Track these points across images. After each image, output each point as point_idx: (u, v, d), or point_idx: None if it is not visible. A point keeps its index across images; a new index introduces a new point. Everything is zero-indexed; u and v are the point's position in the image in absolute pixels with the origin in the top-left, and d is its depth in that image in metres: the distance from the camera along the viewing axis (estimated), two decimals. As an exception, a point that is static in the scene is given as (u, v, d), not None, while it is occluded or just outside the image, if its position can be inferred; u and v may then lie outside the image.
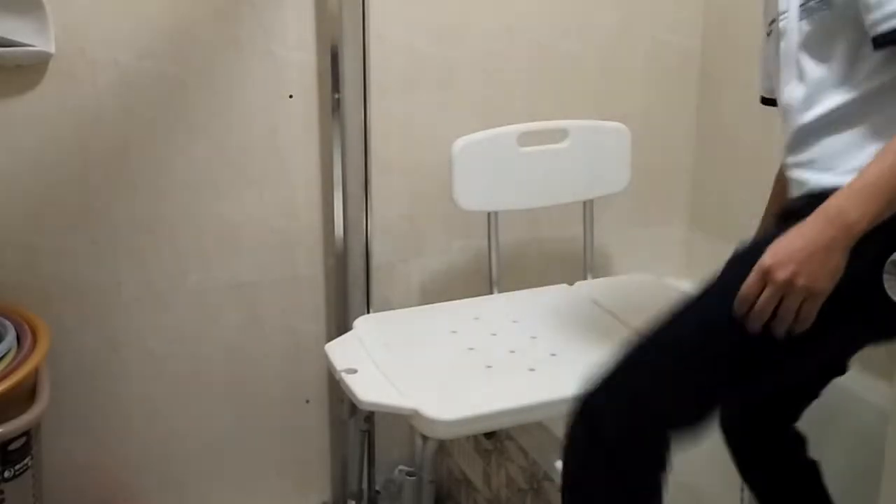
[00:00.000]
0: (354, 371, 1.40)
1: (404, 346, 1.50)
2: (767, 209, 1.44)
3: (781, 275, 0.96)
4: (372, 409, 1.37)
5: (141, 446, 1.78)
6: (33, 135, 1.55)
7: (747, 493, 1.59)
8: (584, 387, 1.07)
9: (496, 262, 1.75)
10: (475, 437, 1.66)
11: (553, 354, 1.46)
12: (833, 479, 1.73)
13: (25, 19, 1.48)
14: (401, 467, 1.86)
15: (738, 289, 1.00)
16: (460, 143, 1.64)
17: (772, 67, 1.24)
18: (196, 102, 1.65)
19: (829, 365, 1.32)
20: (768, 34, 1.25)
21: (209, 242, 1.73)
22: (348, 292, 1.83)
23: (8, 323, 1.45)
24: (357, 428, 1.83)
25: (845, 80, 1.07)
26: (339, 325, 1.84)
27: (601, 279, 1.84)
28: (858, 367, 1.73)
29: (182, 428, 1.81)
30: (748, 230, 1.98)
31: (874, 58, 1.03)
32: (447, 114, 1.84)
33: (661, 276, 1.85)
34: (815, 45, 1.10)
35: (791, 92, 1.15)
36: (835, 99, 1.08)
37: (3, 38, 1.47)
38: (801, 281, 0.96)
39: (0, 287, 1.58)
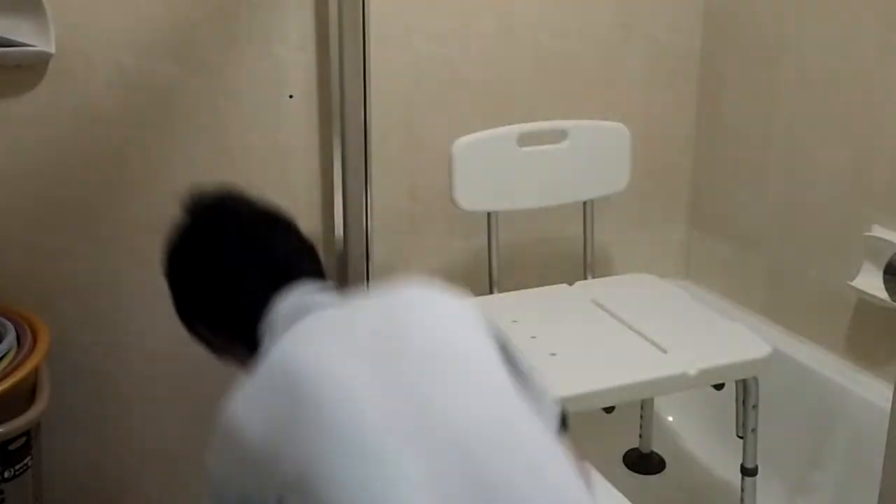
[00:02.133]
0: (354, 371, 1.40)
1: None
2: None
3: None
4: (372, 408, 1.36)
5: (141, 446, 1.78)
6: (33, 135, 1.55)
7: (748, 493, 1.59)
8: None
9: (496, 263, 1.75)
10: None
11: (553, 354, 1.46)
12: (833, 478, 1.73)
13: (25, 19, 1.48)
14: (401, 467, 1.85)
15: None
16: (460, 143, 1.64)
17: None
18: (196, 102, 1.65)
19: None
20: None
21: (209, 242, 1.73)
22: (348, 292, 1.82)
23: (8, 323, 1.45)
24: (357, 428, 1.83)
25: None
26: (339, 325, 1.84)
27: (601, 279, 1.84)
28: (858, 366, 1.74)
29: (182, 428, 1.80)
30: (748, 230, 1.99)
31: None
32: (447, 114, 1.84)
33: (660, 276, 1.85)
34: None
35: None
36: None
37: (3, 38, 1.47)
38: None
39: (0, 287, 1.58)
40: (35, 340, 1.43)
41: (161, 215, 1.69)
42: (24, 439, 1.34)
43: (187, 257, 1.15)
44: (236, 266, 1.10)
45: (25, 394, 1.36)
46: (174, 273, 1.17)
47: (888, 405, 0.93)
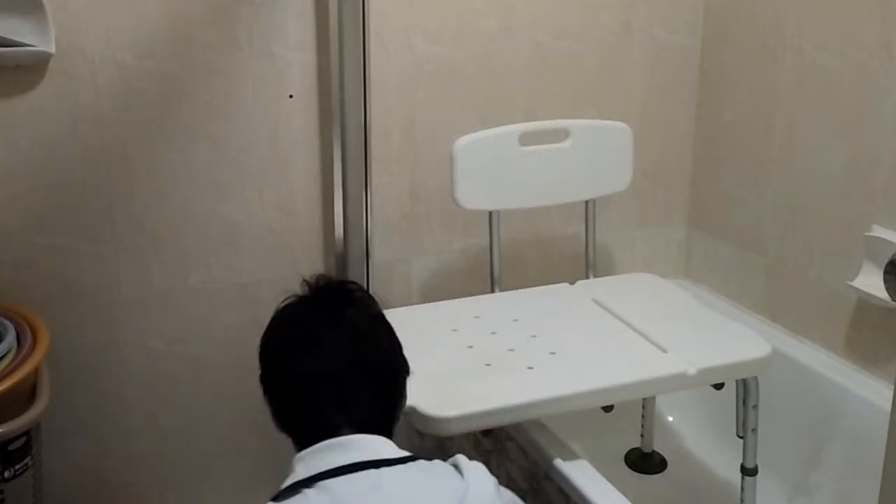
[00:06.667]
0: (354, 370, 1.40)
1: (403, 344, 1.49)
2: None
3: None
4: (371, 408, 1.36)
5: (141, 446, 1.78)
6: (33, 135, 1.55)
7: (748, 493, 1.59)
8: None
9: (497, 262, 1.75)
10: (475, 437, 1.66)
11: (552, 353, 1.46)
12: (833, 479, 1.73)
13: (25, 19, 1.48)
14: (401, 467, 1.85)
15: None
16: (461, 142, 1.64)
17: None
18: (196, 102, 1.65)
19: None
20: None
21: (209, 242, 1.73)
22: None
23: (8, 323, 1.45)
24: (357, 428, 1.83)
25: None
26: (340, 324, 1.84)
27: (602, 278, 1.84)
28: (858, 366, 1.74)
29: (182, 428, 1.81)
30: (748, 230, 1.99)
31: None
32: (447, 114, 1.84)
33: (661, 276, 1.85)
34: None
35: None
36: None
37: (3, 38, 1.47)
38: None
39: (0, 287, 1.58)
40: (35, 340, 1.43)
41: (161, 215, 1.70)
42: (24, 439, 1.34)
43: (288, 339, 1.16)
44: (321, 379, 1.10)
45: (25, 394, 1.36)
46: (270, 344, 1.19)
47: (888, 405, 0.93)
